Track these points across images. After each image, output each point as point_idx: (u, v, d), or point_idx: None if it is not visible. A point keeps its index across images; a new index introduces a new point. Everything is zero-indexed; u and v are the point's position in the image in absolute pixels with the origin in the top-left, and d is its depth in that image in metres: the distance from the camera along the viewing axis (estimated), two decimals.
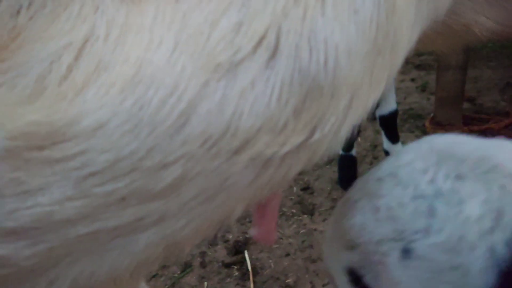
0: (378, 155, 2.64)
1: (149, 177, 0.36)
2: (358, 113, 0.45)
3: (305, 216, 2.28)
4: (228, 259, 2.06)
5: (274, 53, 0.36)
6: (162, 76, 0.35)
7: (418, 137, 2.77)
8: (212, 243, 2.18)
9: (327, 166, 2.68)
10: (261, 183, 0.42)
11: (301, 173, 2.73)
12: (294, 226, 2.22)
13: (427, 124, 2.76)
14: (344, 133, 0.46)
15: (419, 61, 3.98)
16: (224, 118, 0.36)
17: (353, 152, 2.35)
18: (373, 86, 0.44)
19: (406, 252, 0.52)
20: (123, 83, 0.34)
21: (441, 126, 2.69)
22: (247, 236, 2.17)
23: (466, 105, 2.99)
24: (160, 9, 0.35)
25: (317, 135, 0.41)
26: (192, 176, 0.38)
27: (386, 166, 0.62)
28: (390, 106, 2.26)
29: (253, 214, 0.79)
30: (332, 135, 0.44)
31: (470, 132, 2.63)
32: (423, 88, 3.44)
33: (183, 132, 0.36)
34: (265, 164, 0.41)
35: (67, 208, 0.34)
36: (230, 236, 2.19)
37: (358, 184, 0.68)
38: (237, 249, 2.10)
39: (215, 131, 0.36)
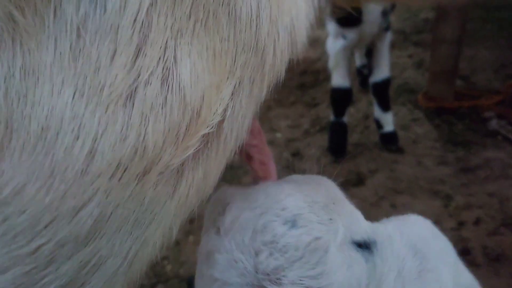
0: (369, 125, 2.66)
1: (69, 224, 0.36)
2: (261, 93, 0.44)
3: None
4: None
5: (167, 76, 0.37)
6: (66, 122, 0.34)
7: (410, 110, 2.80)
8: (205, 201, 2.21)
9: (318, 134, 2.71)
10: (184, 193, 0.42)
11: (292, 140, 2.75)
12: None
13: (419, 97, 2.78)
14: (249, 120, 0.44)
15: (417, 38, 3.98)
16: (130, 145, 0.36)
17: (345, 119, 2.37)
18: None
19: None
20: (34, 140, 0.33)
21: (433, 100, 2.71)
22: None
23: (459, 82, 3.01)
24: (59, 48, 0.34)
25: (215, 120, 0.40)
26: (111, 210, 0.38)
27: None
28: (383, 73, 2.28)
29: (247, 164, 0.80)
30: (238, 123, 0.43)
31: (462, 106, 2.66)
32: (419, 65, 3.45)
33: (91, 171, 0.35)
34: (177, 174, 0.41)
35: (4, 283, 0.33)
36: None
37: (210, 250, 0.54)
38: None
39: (122, 160, 0.36)
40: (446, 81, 2.70)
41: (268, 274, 0.46)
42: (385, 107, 2.35)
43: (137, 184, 0.38)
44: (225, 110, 0.41)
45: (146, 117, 0.36)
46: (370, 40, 2.18)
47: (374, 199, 2.06)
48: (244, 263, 0.47)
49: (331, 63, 2.24)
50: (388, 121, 2.37)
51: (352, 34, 2.09)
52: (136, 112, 0.36)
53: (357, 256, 0.47)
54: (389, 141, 2.38)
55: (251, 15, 0.39)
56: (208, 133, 0.40)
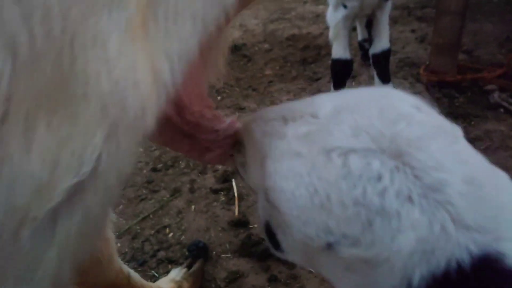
0: None
1: None
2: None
3: None
4: (216, 186, 2.12)
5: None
6: None
7: (411, 84, 2.79)
8: (202, 171, 2.24)
9: None
10: (64, 237, 0.45)
11: None
12: None
13: (421, 71, 2.76)
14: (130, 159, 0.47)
15: (421, 13, 3.94)
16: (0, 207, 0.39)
17: None
18: None
19: (329, 247, 0.49)
20: None
21: (435, 73, 2.69)
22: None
23: (462, 56, 2.99)
24: None
25: (85, 169, 0.42)
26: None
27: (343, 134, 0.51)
28: (383, 45, 2.27)
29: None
30: (116, 162, 0.45)
31: (464, 80, 2.65)
32: (422, 39, 3.42)
33: None
34: (51, 222, 0.43)
35: None
36: (219, 166, 2.24)
37: (312, 129, 0.53)
38: (225, 177, 2.16)
39: None
40: (449, 55, 2.68)
41: (410, 141, 0.48)
42: (385, 79, 2.35)
43: (13, 239, 0.41)
44: (98, 156, 0.43)
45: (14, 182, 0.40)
46: (371, 9, 2.16)
47: None
48: (379, 129, 0.48)
49: (331, 34, 2.22)
50: None
51: (353, 2, 2.07)
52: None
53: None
54: None
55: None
56: (78, 180, 0.42)
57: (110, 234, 1.14)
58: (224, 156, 0.79)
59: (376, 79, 2.38)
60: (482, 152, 1.83)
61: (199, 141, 0.77)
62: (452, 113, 2.45)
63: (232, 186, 2.10)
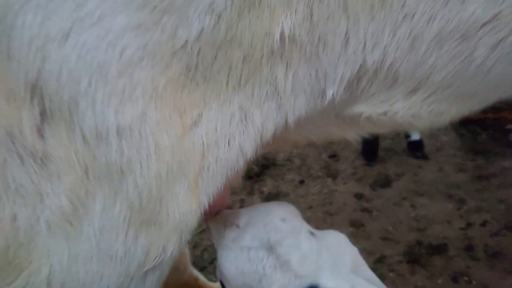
0: (400, 132, 2.99)
1: None
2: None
3: (329, 178, 2.70)
4: None
5: None
6: None
7: None
8: (250, 192, 2.65)
9: None
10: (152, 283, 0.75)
11: (331, 143, 3.11)
12: (319, 186, 2.65)
13: None
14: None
15: None
16: None
17: None
18: None
19: None
20: None
21: None
22: (278, 190, 2.63)
23: None
24: None
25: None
26: None
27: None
28: None
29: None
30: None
31: (485, 119, 2.93)
32: None
33: None
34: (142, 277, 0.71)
35: None
36: (265, 189, 2.65)
37: (235, 235, 0.93)
38: (270, 199, 2.56)
39: None
40: None
41: (275, 241, 0.88)
42: None
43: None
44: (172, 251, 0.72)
45: None
46: None
47: (397, 199, 2.42)
48: (262, 236, 0.89)
49: None
50: (415, 131, 2.69)
51: None
52: None
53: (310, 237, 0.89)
54: (415, 148, 2.72)
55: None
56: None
57: (186, 250, 1.57)
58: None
59: None
60: (495, 189, 2.18)
61: None
62: (474, 149, 2.75)
63: None
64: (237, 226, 0.94)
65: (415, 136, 2.71)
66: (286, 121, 0.74)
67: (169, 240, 0.69)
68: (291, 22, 0.64)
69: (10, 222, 0.60)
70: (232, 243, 0.92)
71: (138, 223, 0.65)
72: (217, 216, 1.03)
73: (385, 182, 2.55)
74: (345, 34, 0.68)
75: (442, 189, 2.44)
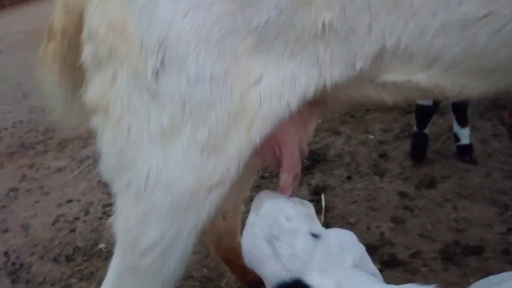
0: (452, 135, 3.02)
1: None
2: None
3: (376, 176, 2.81)
4: (307, 198, 2.70)
5: None
6: None
7: (494, 126, 3.10)
8: (298, 184, 2.82)
9: (406, 139, 3.14)
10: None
11: (382, 142, 3.20)
12: (366, 182, 2.77)
13: (505, 115, 3.04)
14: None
15: None
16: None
17: (426, 130, 2.78)
18: None
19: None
20: None
21: None
22: (326, 184, 2.79)
23: None
24: None
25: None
26: None
27: None
28: None
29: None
30: None
31: None
32: None
33: None
34: None
35: None
36: (313, 181, 2.82)
37: (254, 220, 1.14)
38: (317, 191, 2.73)
39: None
40: None
41: (277, 235, 1.08)
42: (463, 123, 2.72)
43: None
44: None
45: None
46: None
47: (440, 200, 2.49)
48: (269, 229, 1.09)
49: None
50: (465, 136, 2.73)
51: None
52: None
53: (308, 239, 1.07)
54: (464, 153, 2.75)
55: None
56: None
57: (238, 219, 1.82)
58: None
59: (455, 122, 2.75)
60: None
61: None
62: None
63: (321, 198, 2.66)
64: (257, 214, 1.16)
65: (465, 141, 2.74)
66: (325, 85, 0.98)
67: (231, 163, 0.97)
68: (330, 15, 0.91)
69: (126, 132, 0.95)
70: (250, 226, 1.15)
71: (211, 146, 0.94)
72: (261, 192, 1.31)
73: (430, 183, 2.63)
74: (369, 25, 0.93)
75: (487, 193, 2.48)
